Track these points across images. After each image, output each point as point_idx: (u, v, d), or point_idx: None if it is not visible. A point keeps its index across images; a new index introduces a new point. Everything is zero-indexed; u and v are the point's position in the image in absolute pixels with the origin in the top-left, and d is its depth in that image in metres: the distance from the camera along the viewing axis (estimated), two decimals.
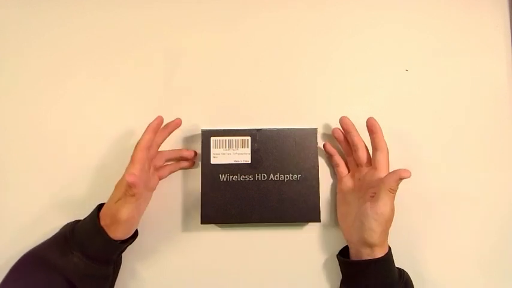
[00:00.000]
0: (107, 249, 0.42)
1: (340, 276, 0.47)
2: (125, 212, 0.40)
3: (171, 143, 0.50)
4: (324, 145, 0.50)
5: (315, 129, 0.48)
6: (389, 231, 0.43)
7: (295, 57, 0.53)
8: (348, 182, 0.48)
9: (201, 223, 0.46)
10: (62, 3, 0.54)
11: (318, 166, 0.48)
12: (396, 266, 0.44)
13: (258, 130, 0.48)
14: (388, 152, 0.45)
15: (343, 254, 0.47)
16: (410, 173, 0.40)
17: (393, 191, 0.41)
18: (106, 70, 0.53)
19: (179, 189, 0.50)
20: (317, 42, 0.53)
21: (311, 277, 0.49)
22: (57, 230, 0.44)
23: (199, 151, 0.50)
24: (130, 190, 0.40)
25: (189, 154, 0.50)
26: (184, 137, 0.51)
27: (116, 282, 0.46)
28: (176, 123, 0.48)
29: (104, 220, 0.41)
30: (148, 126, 0.44)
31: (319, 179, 0.47)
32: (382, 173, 0.44)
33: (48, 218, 0.49)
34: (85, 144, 0.51)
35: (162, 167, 0.49)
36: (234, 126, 0.48)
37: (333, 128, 0.50)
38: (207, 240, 0.50)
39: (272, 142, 0.48)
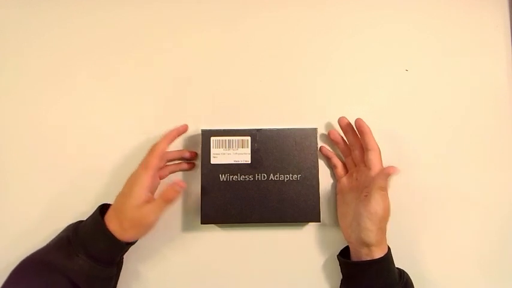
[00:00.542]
0: (112, 250, 0.42)
1: (340, 277, 0.47)
2: (156, 217, 0.41)
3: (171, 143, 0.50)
4: (320, 148, 0.50)
5: (315, 129, 0.48)
6: (389, 231, 0.43)
7: (295, 57, 0.53)
8: (346, 182, 0.48)
9: (201, 223, 0.46)
10: (62, 3, 0.54)
11: (318, 166, 0.48)
12: (396, 266, 0.44)
13: (258, 130, 0.48)
14: (379, 151, 0.45)
15: (344, 255, 0.47)
16: (397, 169, 0.40)
17: (384, 189, 0.42)
18: (106, 70, 0.53)
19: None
20: (317, 42, 0.53)
21: (311, 277, 0.49)
22: (57, 232, 0.44)
23: (199, 151, 0.50)
24: (169, 199, 0.41)
25: (190, 155, 0.50)
26: (184, 137, 0.51)
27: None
28: (183, 130, 0.48)
29: (115, 223, 0.41)
30: (169, 134, 0.45)
31: (319, 179, 0.47)
32: (374, 172, 0.44)
33: (48, 218, 0.49)
34: (85, 144, 0.51)
35: (162, 167, 0.49)
36: (234, 126, 0.48)
37: (333, 128, 0.50)
38: (207, 240, 0.50)
39: (272, 142, 0.48)
